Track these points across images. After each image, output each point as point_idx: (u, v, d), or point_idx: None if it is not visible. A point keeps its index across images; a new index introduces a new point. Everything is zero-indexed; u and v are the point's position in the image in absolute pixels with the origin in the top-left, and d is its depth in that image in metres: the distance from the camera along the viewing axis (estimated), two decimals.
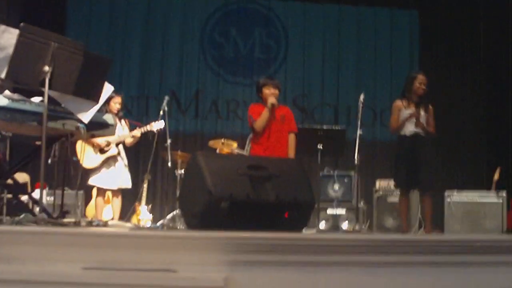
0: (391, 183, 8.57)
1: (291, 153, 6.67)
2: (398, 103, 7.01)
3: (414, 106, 6.88)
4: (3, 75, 4.27)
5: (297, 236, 3.75)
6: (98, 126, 4.96)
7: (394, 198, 8.61)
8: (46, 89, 4.30)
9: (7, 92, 4.52)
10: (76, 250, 3.43)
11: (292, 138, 6.75)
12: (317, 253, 3.52)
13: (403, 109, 6.91)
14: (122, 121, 7.99)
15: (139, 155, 10.35)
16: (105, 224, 5.18)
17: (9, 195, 6.25)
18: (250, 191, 4.10)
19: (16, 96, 4.51)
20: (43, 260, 3.39)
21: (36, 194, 5.75)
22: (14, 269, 3.31)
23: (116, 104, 7.79)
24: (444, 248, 3.67)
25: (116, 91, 7.85)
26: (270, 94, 6.64)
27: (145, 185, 8.88)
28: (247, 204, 4.09)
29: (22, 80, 4.42)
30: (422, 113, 6.85)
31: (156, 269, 3.30)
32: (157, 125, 7.76)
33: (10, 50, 4.22)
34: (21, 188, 5.39)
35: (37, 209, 4.77)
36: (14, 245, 3.43)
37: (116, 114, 7.75)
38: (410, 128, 6.87)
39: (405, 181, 6.88)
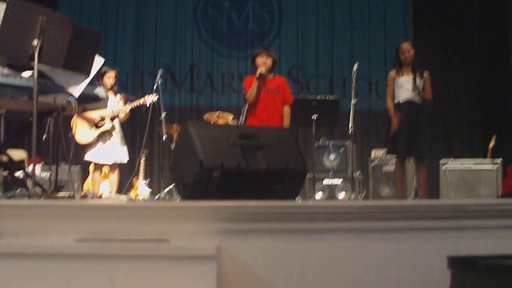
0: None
1: (286, 124, 6.67)
2: (392, 73, 7.01)
3: (407, 74, 6.86)
4: None
5: (288, 204, 3.76)
6: (89, 100, 4.94)
7: (390, 167, 8.62)
8: (35, 63, 4.28)
9: None
10: (69, 223, 3.44)
11: (286, 109, 6.74)
12: (309, 221, 3.54)
13: (397, 78, 6.91)
14: (118, 95, 7.96)
15: (135, 129, 10.37)
16: (100, 198, 5.20)
17: (5, 172, 6.26)
18: (241, 160, 4.11)
19: (5, 71, 4.49)
20: (36, 233, 3.40)
21: (30, 169, 5.75)
22: (7, 243, 3.33)
23: (110, 78, 7.76)
24: (437, 213, 3.69)
25: (110, 66, 7.86)
26: (261, 63, 6.63)
27: (142, 160, 8.89)
28: (239, 173, 4.09)
29: (11, 54, 4.40)
30: (417, 80, 6.83)
31: (148, 240, 3.32)
32: (149, 99, 7.75)
33: None
34: (16, 164, 5.38)
35: (31, 184, 4.77)
36: (6, 219, 3.44)
37: (111, 89, 7.73)
38: (404, 96, 6.86)
39: (401, 149, 6.88)
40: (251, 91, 6.57)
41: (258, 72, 6.55)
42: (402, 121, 6.79)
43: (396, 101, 6.90)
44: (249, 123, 6.62)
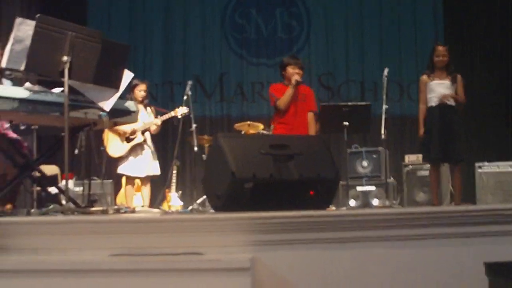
0: (420, 157, 8.48)
1: (311, 131, 6.70)
2: (424, 77, 6.94)
3: (439, 78, 6.80)
4: (22, 67, 4.28)
5: (321, 213, 3.73)
6: (120, 114, 4.96)
7: (424, 172, 8.52)
8: (66, 79, 4.31)
9: (27, 84, 4.54)
10: (103, 238, 3.45)
11: (311, 117, 6.77)
12: (342, 229, 3.50)
13: (429, 82, 6.84)
14: (148, 108, 7.99)
15: (167, 141, 10.40)
16: (133, 211, 5.20)
17: (38, 188, 6.31)
18: (273, 170, 4.09)
19: (37, 87, 4.53)
20: (69, 249, 3.43)
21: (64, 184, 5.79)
22: (41, 259, 3.34)
23: (140, 91, 7.81)
24: (473, 219, 3.62)
25: (140, 79, 7.90)
26: (295, 73, 6.65)
27: (174, 171, 8.90)
28: (271, 183, 4.07)
29: (41, 71, 4.44)
30: (449, 83, 6.76)
31: (182, 253, 3.31)
32: (180, 111, 7.76)
33: (28, 41, 4.23)
34: (49, 180, 5.42)
35: (64, 199, 4.80)
36: (40, 236, 3.47)
37: (141, 102, 7.76)
38: (436, 99, 6.78)
39: (435, 154, 6.80)
40: (285, 98, 6.60)
41: (294, 79, 6.57)
42: (435, 125, 6.71)
43: (429, 105, 6.82)
44: (278, 131, 6.63)
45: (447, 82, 6.79)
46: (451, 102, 6.76)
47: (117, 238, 3.45)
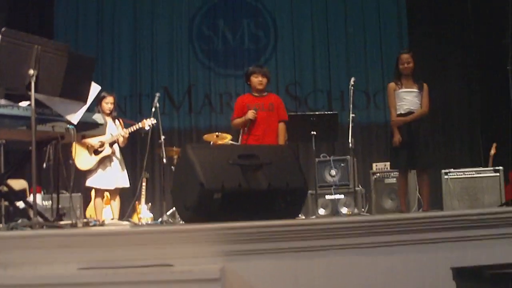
0: (388, 164, 8.56)
1: (281, 141, 6.74)
2: (391, 85, 7.01)
3: (406, 86, 6.87)
4: None
5: (290, 222, 3.76)
6: (87, 126, 4.95)
7: (392, 179, 8.61)
8: (32, 92, 4.28)
9: None
10: (72, 251, 3.44)
11: (282, 126, 6.80)
12: (312, 238, 3.53)
13: (397, 89, 6.91)
14: (116, 121, 7.96)
15: (136, 153, 10.38)
16: (102, 224, 5.18)
17: (5, 203, 6.24)
18: (242, 180, 4.10)
19: (3, 101, 4.50)
20: (39, 263, 3.40)
21: (31, 199, 5.73)
22: (10, 274, 3.32)
23: (108, 104, 7.77)
24: (440, 225, 3.67)
25: (108, 91, 7.87)
26: (257, 82, 6.70)
27: (144, 183, 8.88)
28: (240, 193, 4.08)
29: (7, 85, 4.40)
30: (417, 91, 6.84)
31: (152, 265, 3.31)
32: (148, 122, 7.74)
33: None
34: (17, 194, 5.37)
35: (32, 214, 4.75)
36: (9, 250, 3.44)
37: (109, 114, 7.73)
38: (404, 107, 6.86)
39: (403, 162, 6.87)
40: (238, 123, 6.82)
41: (249, 116, 6.61)
42: (402, 134, 6.78)
43: (398, 112, 6.89)
44: (244, 141, 6.66)
45: (415, 91, 6.86)
46: (417, 112, 6.84)
47: (86, 251, 3.43)
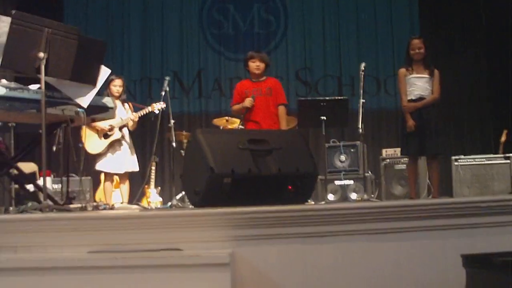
0: (398, 150, 8.53)
1: (283, 125, 6.72)
2: (402, 70, 6.96)
3: (417, 72, 6.83)
4: None
5: (299, 207, 3.74)
6: (97, 110, 4.95)
7: (402, 165, 8.59)
8: (42, 75, 4.28)
9: (4, 81, 4.51)
10: (82, 235, 3.45)
11: (281, 110, 6.79)
12: (321, 224, 3.53)
13: (408, 76, 6.87)
14: (126, 104, 7.95)
15: (145, 137, 10.39)
16: (112, 208, 5.19)
17: (16, 186, 6.26)
18: (251, 165, 4.10)
19: (13, 84, 4.50)
20: (49, 246, 3.42)
21: (41, 182, 5.75)
22: (21, 257, 3.33)
23: (116, 87, 7.74)
24: (450, 211, 3.66)
25: (116, 74, 7.86)
26: (255, 67, 6.76)
27: (153, 167, 8.88)
28: (250, 178, 4.08)
29: (17, 67, 4.41)
30: (428, 77, 6.80)
31: (161, 249, 3.31)
32: (157, 106, 7.74)
33: (4, 38, 4.19)
34: (27, 177, 5.38)
35: (42, 197, 4.77)
36: (19, 233, 3.46)
37: (118, 97, 7.71)
38: (415, 93, 6.82)
39: (413, 148, 6.84)
40: (236, 110, 6.89)
41: (245, 104, 6.65)
42: (413, 119, 6.75)
43: (408, 98, 6.85)
44: (247, 126, 6.69)
45: (426, 77, 6.81)
46: (429, 97, 6.80)
47: (96, 235, 3.45)
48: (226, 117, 8.40)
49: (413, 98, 6.82)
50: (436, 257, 3.55)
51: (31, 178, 6.25)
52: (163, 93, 7.77)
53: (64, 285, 3.14)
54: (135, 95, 11.01)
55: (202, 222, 3.47)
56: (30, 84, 4.64)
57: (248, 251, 3.43)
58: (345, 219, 3.55)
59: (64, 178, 6.22)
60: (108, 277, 3.13)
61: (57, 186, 7.61)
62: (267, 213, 3.51)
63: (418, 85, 6.81)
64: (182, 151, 8.44)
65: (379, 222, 3.57)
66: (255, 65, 6.79)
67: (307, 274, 3.48)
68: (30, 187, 5.63)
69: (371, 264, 3.54)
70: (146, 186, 8.78)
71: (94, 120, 5.51)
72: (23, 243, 3.42)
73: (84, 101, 4.66)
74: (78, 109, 4.72)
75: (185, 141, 8.57)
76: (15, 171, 5.21)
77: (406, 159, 8.09)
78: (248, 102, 6.64)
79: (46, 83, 4.36)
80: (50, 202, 4.44)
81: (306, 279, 3.48)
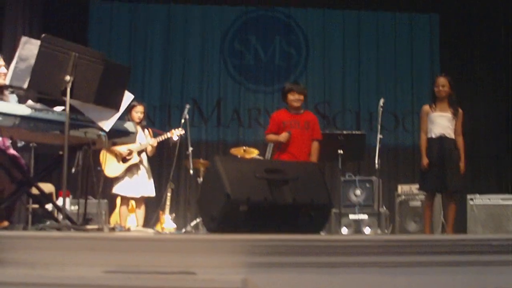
0: (413, 187, 8.56)
1: (314, 160, 6.69)
2: (426, 107, 7.02)
3: (440, 110, 6.88)
4: (25, 85, 4.36)
5: (313, 237, 3.79)
6: (119, 134, 5.04)
7: (416, 202, 8.61)
8: (67, 98, 4.39)
9: (30, 102, 4.62)
10: (98, 255, 3.50)
11: (315, 145, 6.78)
12: (334, 254, 3.55)
13: (430, 113, 6.92)
14: (146, 130, 8.05)
15: (163, 163, 10.45)
16: (128, 230, 5.26)
17: (35, 205, 6.36)
18: (267, 194, 4.16)
19: (39, 105, 4.61)
20: (66, 264, 3.46)
21: (60, 202, 5.84)
22: (38, 273, 3.39)
23: (138, 113, 7.86)
24: (462, 248, 3.68)
25: (138, 101, 7.98)
26: (294, 100, 6.72)
27: (169, 194, 8.95)
28: (265, 207, 4.14)
29: (44, 89, 4.52)
30: (450, 116, 6.85)
31: (175, 272, 3.36)
32: (177, 133, 7.83)
33: (32, 60, 4.32)
34: (46, 197, 5.47)
35: (60, 216, 4.85)
36: (37, 250, 3.51)
37: (139, 123, 7.81)
38: (437, 131, 6.86)
39: (432, 184, 6.86)
40: (273, 140, 6.86)
41: (281, 139, 6.64)
42: (434, 157, 6.78)
43: (429, 136, 6.90)
44: (278, 157, 6.66)
45: (448, 115, 6.86)
46: (451, 135, 6.85)
47: (112, 255, 3.49)
48: (244, 147, 8.48)
49: (433, 136, 6.86)
50: None
51: (50, 198, 6.33)
52: (182, 120, 7.88)
53: None
54: (154, 121, 11.11)
55: (217, 247, 3.52)
56: (54, 106, 4.75)
57: (260, 278, 3.46)
58: (357, 251, 3.58)
59: (82, 200, 6.32)
60: None
61: (74, 208, 7.70)
62: (281, 241, 3.55)
63: (440, 123, 6.85)
64: (198, 179, 8.51)
65: (391, 256, 3.59)
66: (295, 99, 6.76)
67: None
68: (48, 207, 5.73)
69: None
70: (161, 212, 8.84)
71: (115, 144, 5.62)
72: (41, 260, 3.48)
73: (107, 124, 4.76)
74: (100, 133, 4.81)
75: (202, 169, 8.64)
76: (34, 191, 5.30)
77: (422, 196, 8.12)
78: (284, 137, 6.62)
79: (70, 106, 4.46)
80: (68, 222, 4.52)
81: None
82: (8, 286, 3.22)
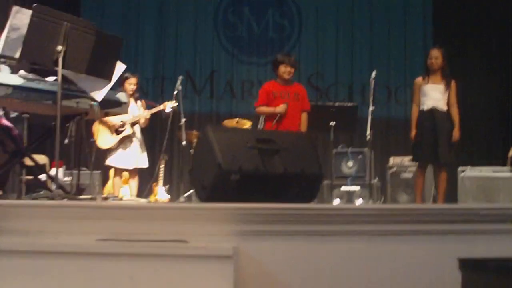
0: (405, 159, 8.61)
1: (303, 130, 6.75)
2: (418, 79, 7.05)
3: (433, 82, 6.91)
4: (17, 55, 4.37)
5: (304, 206, 3.83)
6: (111, 104, 5.04)
7: (408, 174, 8.66)
8: (59, 68, 4.39)
9: (22, 71, 4.62)
10: (91, 223, 3.54)
11: (304, 116, 6.84)
12: (324, 223, 3.60)
13: (423, 85, 6.94)
14: (138, 102, 8.06)
15: (156, 135, 10.47)
16: (121, 200, 5.29)
17: (28, 176, 6.38)
18: (259, 164, 4.19)
19: (31, 75, 4.61)
20: (59, 232, 3.51)
21: (53, 172, 5.86)
22: (32, 241, 3.43)
23: (131, 85, 7.86)
24: (450, 217, 3.74)
25: (131, 72, 7.98)
26: (285, 72, 6.74)
27: (162, 165, 8.98)
28: (256, 176, 4.17)
29: (36, 59, 4.52)
30: (443, 87, 6.87)
31: (167, 240, 3.40)
32: (170, 105, 7.84)
33: (24, 30, 4.31)
34: (39, 168, 5.48)
35: (54, 186, 4.89)
36: (31, 219, 3.56)
37: (132, 95, 7.82)
38: (429, 103, 6.89)
39: (424, 155, 6.91)
40: (263, 112, 6.88)
41: (278, 111, 6.65)
42: (426, 128, 6.82)
43: (421, 108, 6.93)
44: (268, 128, 6.71)
45: (441, 87, 6.89)
46: (443, 108, 6.87)
47: (105, 223, 3.54)
48: (237, 119, 8.51)
49: (425, 108, 6.89)
50: (434, 260, 3.62)
51: (43, 168, 6.35)
52: (175, 92, 7.88)
53: (73, 270, 3.22)
54: (148, 93, 11.11)
55: (208, 216, 3.56)
56: (46, 76, 4.75)
57: (251, 246, 3.51)
58: (347, 220, 3.63)
59: (75, 171, 6.34)
60: (115, 264, 3.22)
61: (68, 179, 7.73)
62: (272, 209, 3.59)
63: (432, 95, 6.87)
64: (191, 150, 8.53)
65: (380, 224, 3.64)
66: (287, 70, 6.79)
67: (307, 271, 3.56)
68: (41, 177, 5.75)
69: (371, 264, 3.60)
70: (154, 183, 8.87)
71: (107, 114, 5.62)
72: (34, 229, 3.52)
73: (99, 95, 4.77)
74: (93, 103, 4.83)
75: (195, 140, 8.64)
76: (28, 161, 5.31)
77: (413, 168, 8.17)
78: (281, 108, 6.67)
79: (62, 76, 4.46)
80: (61, 192, 4.55)
81: (306, 276, 3.56)
82: (2, 254, 3.25)
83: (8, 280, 3.18)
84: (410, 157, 7.72)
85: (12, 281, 3.18)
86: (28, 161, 5.17)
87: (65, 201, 4.07)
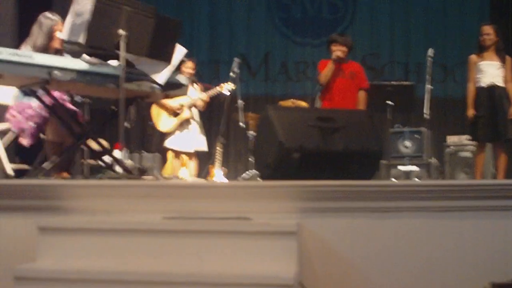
0: (463, 138, 8.51)
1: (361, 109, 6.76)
2: (473, 57, 6.97)
3: (488, 58, 6.82)
4: (81, 40, 4.48)
5: (365, 183, 3.87)
6: (172, 86, 5.13)
7: (466, 153, 8.55)
8: (122, 52, 4.50)
9: (85, 56, 4.73)
10: (156, 201, 3.65)
11: (362, 94, 6.84)
12: (385, 199, 3.63)
13: (478, 63, 6.86)
14: (195, 85, 8.13)
15: (212, 118, 10.56)
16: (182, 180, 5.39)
17: (91, 160, 6.52)
18: (319, 141, 4.24)
19: (94, 59, 4.72)
20: (126, 211, 3.62)
21: (115, 155, 5.99)
22: (99, 220, 3.55)
23: (188, 69, 7.92)
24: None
25: (188, 56, 8.05)
26: (336, 49, 6.74)
27: (219, 148, 9.06)
28: (317, 154, 4.22)
29: (99, 44, 4.62)
30: (498, 63, 6.78)
31: (231, 218, 3.48)
32: (227, 87, 7.90)
33: (87, 15, 4.42)
34: (105, 150, 5.60)
35: (118, 168, 5.01)
36: (98, 198, 3.68)
37: (189, 79, 7.89)
38: (485, 80, 6.81)
39: (483, 133, 6.84)
40: (326, 73, 6.74)
41: (334, 55, 6.67)
42: (484, 106, 6.74)
43: (478, 85, 6.85)
44: (324, 107, 6.74)
45: (496, 63, 6.81)
46: (501, 83, 6.79)
47: (170, 202, 3.64)
48: (292, 100, 8.51)
49: (483, 85, 6.81)
50: (496, 236, 3.62)
51: (109, 150, 6.50)
52: (231, 74, 7.93)
53: (139, 247, 3.32)
54: (203, 77, 11.18)
55: (271, 193, 3.63)
56: (108, 60, 4.86)
57: (314, 222, 3.56)
58: (408, 196, 3.65)
59: (136, 153, 6.47)
60: (182, 242, 3.30)
61: (129, 162, 7.87)
62: (333, 186, 3.64)
63: (489, 72, 6.80)
64: (248, 132, 8.59)
65: (442, 200, 3.65)
66: (339, 49, 6.83)
67: (368, 247, 3.60)
68: (105, 159, 5.88)
69: (432, 240, 3.62)
70: (211, 166, 8.96)
71: (167, 96, 5.71)
72: (102, 207, 3.64)
73: (160, 77, 4.86)
74: (154, 85, 4.92)
75: (251, 122, 8.71)
76: (93, 145, 5.43)
77: (471, 146, 8.07)
78: (337, 53, 6.75)
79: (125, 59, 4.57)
80: (125, 173, 4.67)
81: (368, 252, 3.60)
82: (71, 232, 3.37)
83: (77, 258, 3.29)
84: (467, 136, 7.64)
85: (80, 258, 3.29)
86: (93, 144, 5.29)
87: (130, 181, 4.18)
